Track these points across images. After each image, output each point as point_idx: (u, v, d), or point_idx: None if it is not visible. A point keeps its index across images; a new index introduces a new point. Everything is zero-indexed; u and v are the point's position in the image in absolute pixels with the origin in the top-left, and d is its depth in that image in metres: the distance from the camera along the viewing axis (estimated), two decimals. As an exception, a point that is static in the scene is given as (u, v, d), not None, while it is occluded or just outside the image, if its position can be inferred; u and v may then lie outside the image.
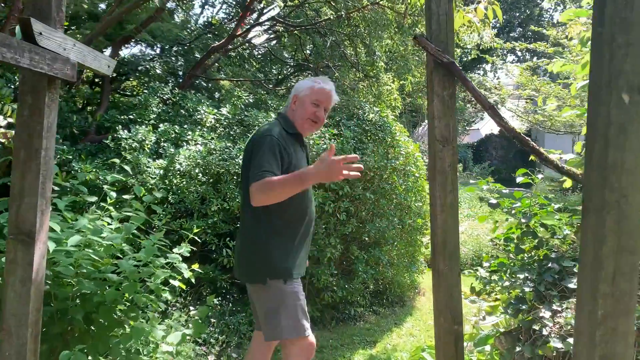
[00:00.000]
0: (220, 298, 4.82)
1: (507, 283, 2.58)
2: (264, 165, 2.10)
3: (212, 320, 4.33)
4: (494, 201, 2.76)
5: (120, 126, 4.60)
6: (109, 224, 2.51)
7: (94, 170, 4.00)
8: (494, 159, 27.41)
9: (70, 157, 4.29)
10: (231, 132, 5.17)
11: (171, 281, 2.50)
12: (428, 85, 2.60)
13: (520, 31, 33.09)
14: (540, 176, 2.75)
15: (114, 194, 2.66)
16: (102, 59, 2.19)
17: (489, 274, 2.89)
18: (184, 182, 4.34)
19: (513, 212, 2.71)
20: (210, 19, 9.21)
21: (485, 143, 29.34)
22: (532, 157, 2.42)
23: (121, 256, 2.39)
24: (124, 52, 7.60)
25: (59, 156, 4.16)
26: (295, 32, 6.57)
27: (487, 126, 31.22)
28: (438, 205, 2.61)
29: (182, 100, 5.34)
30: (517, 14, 32.69)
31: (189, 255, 2.86)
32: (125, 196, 2.70)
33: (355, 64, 6.42)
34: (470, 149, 27.65)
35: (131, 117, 4.93)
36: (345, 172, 2.07)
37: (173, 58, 6.75)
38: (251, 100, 5.68)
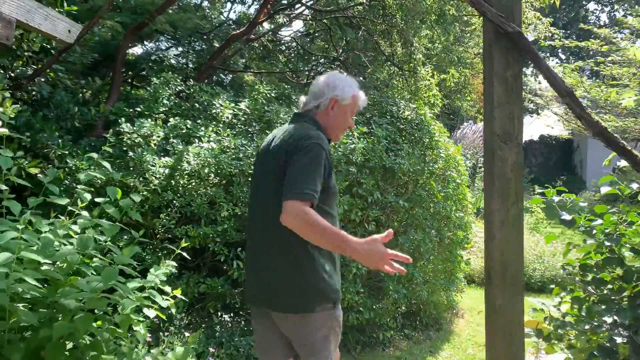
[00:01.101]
0: (231, 314, 4.34)
1: (586, 326, 2.00)
2: (309, 182, 1.83)
3: (222, 340, 3.84)
4: (567, 217, 2.18)
5: (123, 119, 4.17)
6: (77, 233, 2.04)
7: (91, 167, 3.56)
8: (534, 166, 26.41)
9: (67, 152, 3.87)
10: (249, 129, 4.68)
11: (145, 311, 2.00)
12: (485, 63, 2.03)
13: (565, 33, 31.85)
14: (634, 185, 2.16)
15: (87, 196, 2.19)
16: (58, 21, 1.69)
17: (560, 311, 2.30)
18: (192, 183, 3.87)
19: (593, 231, 2.13)
20: (239, 15, 8.80)
21: (525, 150, 28.35)
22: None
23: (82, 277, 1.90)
24: (147, 47, 7.22)
25: (52, 151, 3.75)
26: (325, 20, 6.07)
27: (526, 132, 30.18)
28: (496, 220, 2.04)
29: (196, 93, 4.89)
30: (561, 15, 31.43)
31: (182, 268, 2.35)
32: (98, 199, 2.22)
33: (390, 56, 5.86)
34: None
35: (139, 109, 4.50)
36: (387, 267, 1.85)
37: (191, 49, 6.34)
38: (273, 95, 5.19)
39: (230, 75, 6.97)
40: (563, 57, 30.64)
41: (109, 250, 2.06)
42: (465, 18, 5.92)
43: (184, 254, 2.68)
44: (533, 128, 30.24)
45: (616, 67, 12.21)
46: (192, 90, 4.95)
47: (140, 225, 3.97)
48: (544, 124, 23.68)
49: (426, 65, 6.04)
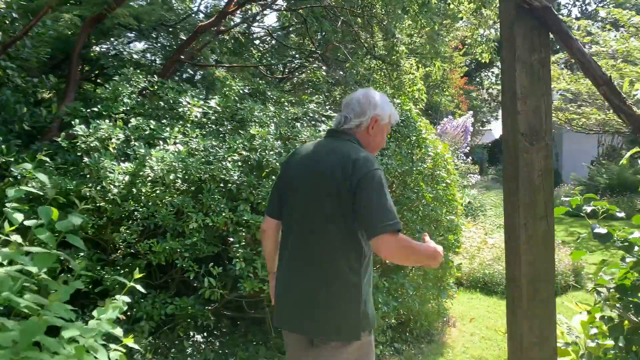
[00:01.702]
0: (204, 334, 3.94)
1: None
2: (395, 213, 1.84)
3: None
4: (602, 230, 1.85)
5: (77, 121, 3.72)
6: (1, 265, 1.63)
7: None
8: (510, 161, 26.40)
9: (12, 159, 3.42)
10: (220, 129, 4.28)
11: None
12: (504, 48, 1.68)
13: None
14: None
15: (19, 217, 1.77)
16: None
17: (593, 339, 1.97)
18: (156, 191, 3.45)
19: (635, 248, 1.80)
20: (210, 9, 8.34)
21: (500, 144, 28.33)
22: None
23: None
24: (111, 42, 6.72)
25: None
26: (300, 11, 5.68)
27: (500, 126, 30.26)
28: (522, 237, 1.70)
29: (161, 89, 4.45)
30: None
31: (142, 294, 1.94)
32: (27, 222, 1.80)
33: (371, 48, 5.51)
34: (486, 149, 26.74)
35: (96, 109, 4.05)
36: None
37: (156, 42, 5.88)
38: (247, 91, 4.80)
39: (201, 72, 6.53)
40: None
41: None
42: (452, 5, 5.58)
43: (139, 287, 2.25)
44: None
45: (595, 59, 12.11)
46: (156, 87, 4.51)
47: (99, 241, 3.55)
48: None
49: (409, 58, 5.70)
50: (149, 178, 3.48)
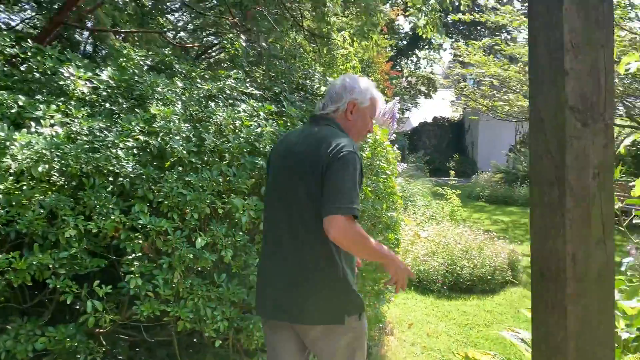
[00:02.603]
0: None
1: None
2: (353, 197, 1.85)
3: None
4: None
5: None
6: None
7: None
8: (428, 148, 26.93)
9: None
10: (114, 107, 3.44)
11: None
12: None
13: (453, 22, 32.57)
14: None
15: None
16: None
17: None
18: (22, 188, 2.61)
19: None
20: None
21: (419, 132, 28.92)
22: None
23: None
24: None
25: None
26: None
27: (419, 114, 30.80)
28: (569, 274, 1.06)
29: (36, 58, 3.53)
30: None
31: None
32: None
33: (298, 19, 4.84)
34: (406, 137, 26.97)
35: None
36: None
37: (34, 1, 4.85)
38: (149, 63, 3.99)
39: (97, 43, 5.55)
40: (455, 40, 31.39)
41: None
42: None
43: None
44: (427, 109, 30.90)
45: (515, 47, 12.19)
46: (29, 54, 3.58)
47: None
48: (445, 105, 24.10)
49: (342, 31, 5.08)
50: (11, 170, 2.63)
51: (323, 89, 4.03)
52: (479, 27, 31.89)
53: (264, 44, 4.67)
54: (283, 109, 3.53)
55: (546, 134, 1.04)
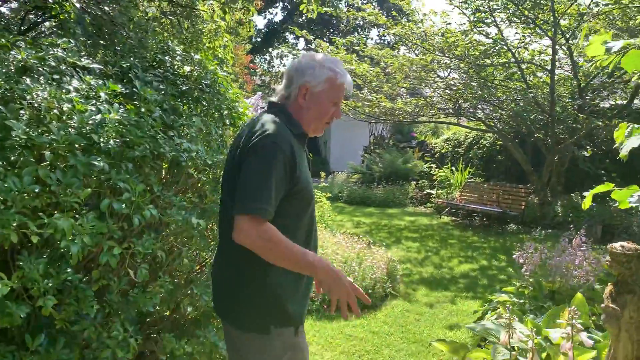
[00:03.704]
0: None
1: None
2: (262, 195, 1.65)
3: None
4: None
5: None
6: None
7: None
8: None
9: None
10: None
11: None
12: None
13: (307, 17, 32.73)
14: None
15: None
16: None
17: None
18: None
19: None
20: None
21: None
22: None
23: None
24: None
25: None
26: None
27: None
28: None
29: None
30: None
31: None
32: None
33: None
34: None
35: None
36: (349, 301, 1.71)
37: None
38: None
39: None
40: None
41: None
42: None
43: None
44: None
45: (376, 47, 12.17)
46: None
47: None
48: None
49: (211, 0, 4.12)
50: None
51: (187, 68, 3.13)
52: (331, 29, 32.55)
53: (107, 8, 3.59)
54: (134, 89, 2.57)
55: None
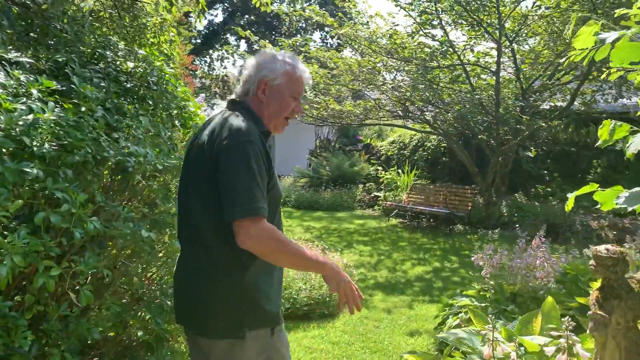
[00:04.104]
0: None
1: None
2: (255, 193, 1.61)
3: None
4: None
5: None
6: None
7: None
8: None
9: None
10: None
11: None
12: None
13: (249, 18, 32.34)
14: None
15: None
16: None
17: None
18: None
19: None
20: None
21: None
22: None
23: None
24: None
25: None
26: None
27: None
28: None
29: None
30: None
31: None
32: None
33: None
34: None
35: None
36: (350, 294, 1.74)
37: None
38: None
39: None
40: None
41: None
42: None
43: None
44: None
45: (321, 49, 12.07)
46: None
47: None
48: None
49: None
50: None
51: (131, 64, 2.84)
52: (274, 32, 32.23)
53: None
54: (72, 86, 2.28)
55: None
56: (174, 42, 3.59)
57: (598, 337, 2.02)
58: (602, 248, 2.09)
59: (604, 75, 2.78)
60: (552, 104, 11.08)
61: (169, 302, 2.33)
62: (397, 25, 10.03)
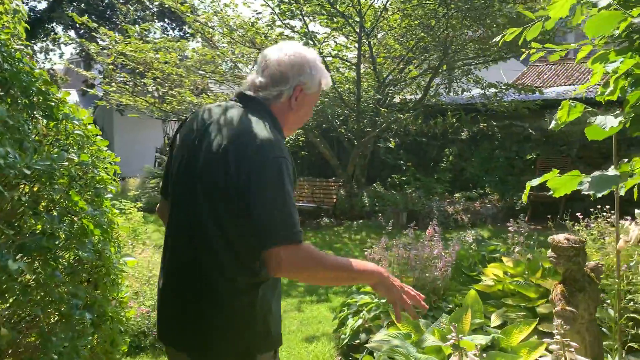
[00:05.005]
0: None
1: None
2: (293, 216, 1.45)
3: None
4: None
5: None
6: None
7: None
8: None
9: None
10: None
11: None
12: None
13: (79, 6, 29.30)
14: None
15: None
16: None
17: None
18: None
19: None
20: None
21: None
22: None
23: None
24: None
25: None
26: None
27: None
28: None
29: None
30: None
31: None
32: None
33: None
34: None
35: None
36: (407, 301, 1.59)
37: None
38: None
39: None
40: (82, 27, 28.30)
41: None
42: None
43: None
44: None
45: (172, 40, 11.28)
46: None
47: None
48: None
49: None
50: None
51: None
52: (107, 22, 29.66)
53: None
54: None
55: None
56: (18, 12, 2.81)
57: (569, 335, 1.89)
58: (561, 237, 1.96)
59: (523, 56, 2.73)
60: (402, 97, 11.60)
61: (55, 357, 1.71)
62: (259, 13, 9.64)
